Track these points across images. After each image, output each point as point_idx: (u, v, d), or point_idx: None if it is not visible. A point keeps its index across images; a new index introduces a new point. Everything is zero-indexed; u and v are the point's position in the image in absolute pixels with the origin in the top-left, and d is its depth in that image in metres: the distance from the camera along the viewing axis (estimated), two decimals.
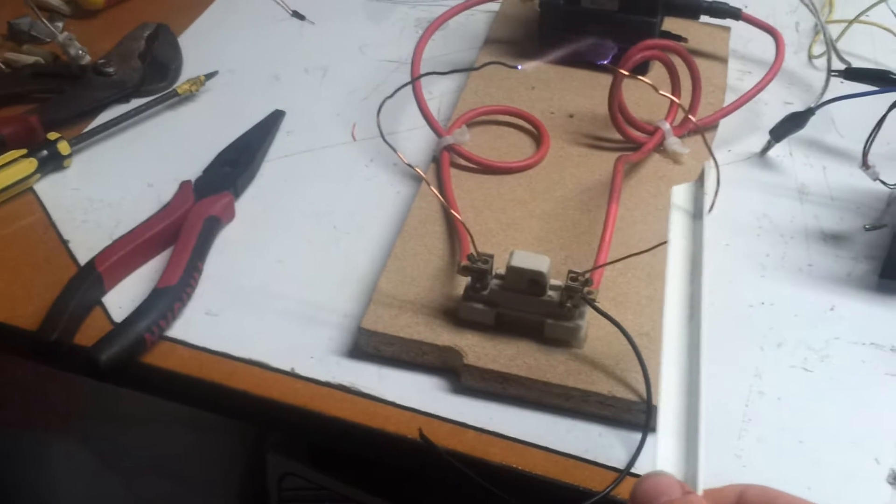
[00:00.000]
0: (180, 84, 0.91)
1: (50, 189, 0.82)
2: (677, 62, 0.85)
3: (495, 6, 1.03)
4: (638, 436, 0.64)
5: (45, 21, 0.96)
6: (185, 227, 0.76)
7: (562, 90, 0.92)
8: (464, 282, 0.69)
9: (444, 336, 0.68)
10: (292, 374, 0.68)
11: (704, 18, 0.97)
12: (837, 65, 0.94)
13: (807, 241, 0.79)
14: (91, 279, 0.72)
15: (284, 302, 0.73)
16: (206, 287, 0.74)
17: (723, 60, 0.97)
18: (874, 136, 0.78)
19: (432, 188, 0.73)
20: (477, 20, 1.03)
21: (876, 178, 0.79)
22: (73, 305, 0.70)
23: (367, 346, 0.69)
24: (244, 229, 0.79)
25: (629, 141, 0.85)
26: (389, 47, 1.00)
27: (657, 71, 0.87)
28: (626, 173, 0.82)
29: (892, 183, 0.80)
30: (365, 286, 0.74)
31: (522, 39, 0.99)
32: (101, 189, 0.82)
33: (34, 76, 0.92)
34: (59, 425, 0.97)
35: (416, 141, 0.87)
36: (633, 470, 0.62)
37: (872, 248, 0.78)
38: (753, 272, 0.77)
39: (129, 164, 0.85)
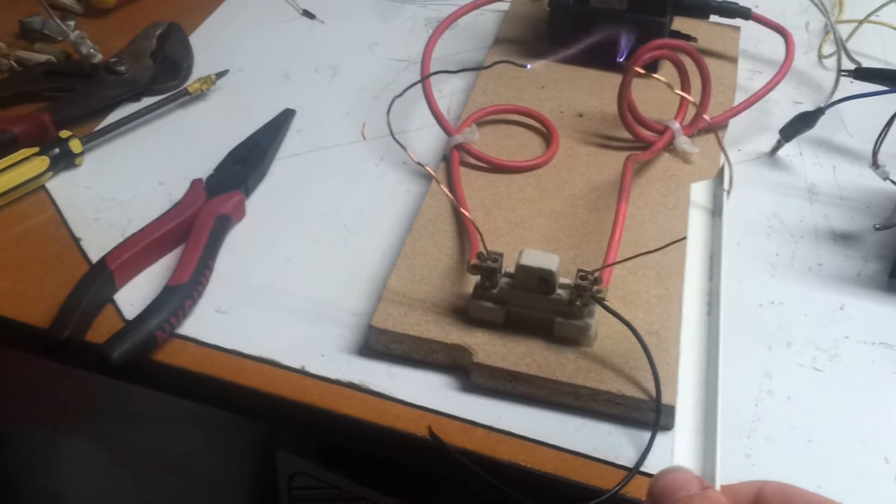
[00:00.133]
0: (191, 83, 0.91)
1: (62, 187, 0.82)
2: (687, 62, 0.85)
3: (504, 6, 1.03)
4: (647, 434, 0.64)
5: (58, 20, 0.97)
6: (196, 226, 0.76)
7: (571, 89, 0.92)
8: (473, 280, 0.69)
9: (454, 334, 0.68)
10: (302, 372, 0.68)
11: (714, 18, 0.98)
12: (847, 64, 0.94)
13: (816, 241, 0.79)
14: (102, 277, 0.72)
15: (294, 300, 0.73)
16: (217, 285, 0.74)
17: (733, 60, 0.97)
18: (884, 136, 0.79)
19: (442, 187, 0.73)
20: (486, 20, 1.03)
21: (886, 178, 0.79)
22: (85, 303, 0.70)
23: (377, 344, 0.69)
24: (255, 228, 0.80)
25: (639, 140, 0.85)
26: (399, 46, 1.00)
27: (667, 71, 0.87)
28: (636, 172, 0.82)
29: None
30: (375, 284, 0.74)
31: (532, 39, 0.99)
32: (113, 187, 0.82)
33: (46, 74, 0.92)
34: (69, 423, 0.98)
35: (425, 140, 0.87)
36: (642, 468, 0.63)
37: (882, 248, 0.78)
38: (763, 272, 0.77)
39: (140, 162, 0.85)
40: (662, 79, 0.70)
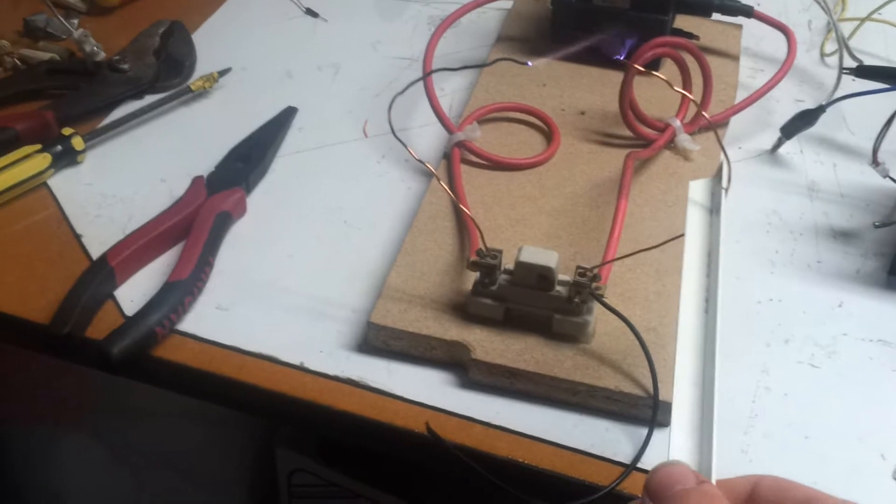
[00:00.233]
0: (194, 81, 0.92)
1: (64, 184, 0.83)
2: (689, 60, 0.85)
3: (507, 4, 1.04)
4: (644, 431, 0.64)
5: (61, 18, 0.97)
6: (197, 222, 0.76)
7: (573, 87, 0.92)
8: (473, 277, 0.70)
9: (453, 331, 0.68)
10: (301, 368, 0.69)
11: (716, 16, 0.98)
12: (849, 62, 0.94)
13: (816, 238, 0.79)
14: (103, 273, 0.72)
15: (294, 296, 0.73)
16: (217, 281, 0.74)
17: (734, 58, 0.97)
18: (884, 134, 0.79)
19: (442, 184, 0.73)
20: (489, 18, 1.04)
21: (886, 176, 0.79)
22: (86, 299, 0.70)
23: (376, 340, 0.69)
24: (255, 224, 0.80)
25: (640, 138, 0.86)
26: (402, 45, 1.00)
27: (668, 69, 0.87)
28: (637, 170, 0.82)
29: None
30: (374, 281, 0.74)
31: (534, 37, 0.99)
32: (115, 184, 0.83)
33: (50, 72, 0.93)
34: (69, 419, 0.98)
35: (427, 137, 0.88)
36: (639, 465, 0.63)
37: (881, 245, 0.78)
38: (762, 269, 0.77)
39: (142, 159, 0.86)
40: (662, 76, 0.70)
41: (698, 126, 0.86)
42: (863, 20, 1.00)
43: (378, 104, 0.90)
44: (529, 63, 0.75)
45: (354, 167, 0.85)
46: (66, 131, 0.84)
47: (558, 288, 0.67)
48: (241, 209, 0.80)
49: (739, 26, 1.00)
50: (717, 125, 0.87)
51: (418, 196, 0.82)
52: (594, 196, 0.80)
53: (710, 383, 0.55)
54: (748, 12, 0.97)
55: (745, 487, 0.51)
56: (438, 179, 0.74)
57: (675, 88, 0.70)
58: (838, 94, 0.89)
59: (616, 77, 0.86)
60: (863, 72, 0.92)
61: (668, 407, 0.62)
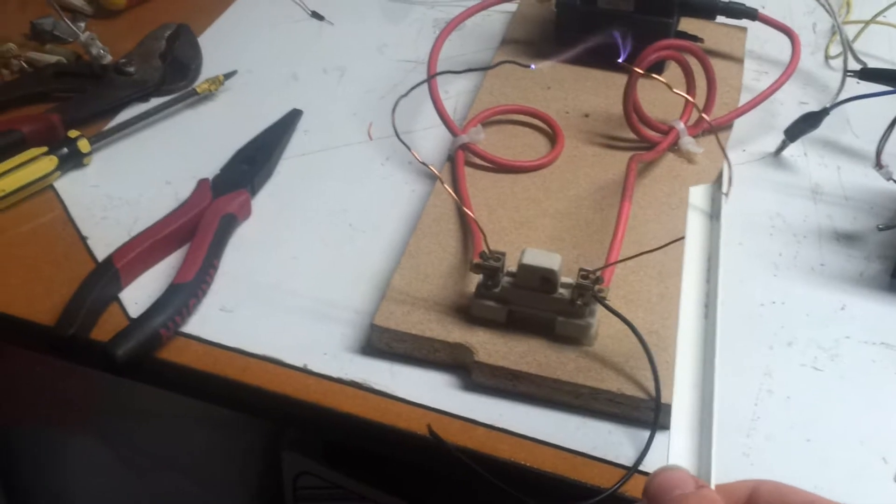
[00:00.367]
0: (200, 83, 0.92)
1: (70, 186, 0.83)
2: (693, 62, 0.86)
3: (512, 7, 1.04)
4: (647, 433, 0.64)
5: (68, 21, 0.97)
6: (202, 225, 0.77)
7: (577, 90, 0.92)
8: (476, 279, 0.70)
9: (456, 333, 0.69)
10: (305, 371, 0.69)
11: (721, 19, 0.98)
12: (853, 65, 0.94)
13: (819, 241, 0.79)
14: (109, 275, 0.73)
15: (298, 299, 0.74)
16: (222, 284, 0.74)
17: (739, 61, 0.97)
18: (888, 136, 0.79)
19: (446, 187, 0.74)
20: (494, 21, 1.04)
21: (889, 178, 0.79)
22: (91, 301, 0.71)
23: (380, 342, 0.69)
24: (260, 227, 0.80)
25: (644, 140, 0.86)
26: (407, 47, 1.00)
27: (672, 71, 0.87)
28: (640, 172, 0.82)
29: None
30: (378, 283, 0.74)
31: (539, 40, 0.99)
32: (120, 186, 0.83)
33: (56, 75, 0.93)
34: (75, 421, 0.98)
35: (431, 140, 0.88)
36: (641, 467, 0.63)
37: (885, 248, 0.78)
38: (766, 271, 0.77)
39: (147, 162, 0.86)
40: (663, 80, 0.70)
41: (702, 129, 0.86)
42: (867, 23, 1.00)
43: (383, 107, 0.90)
44: (532, 66, 0.75)
45: (359, 169, 0.86)
46: (73, 134, 0.84)
47: (561, 290, 0.68)
48: (245, 211, 0.80)
49: (744, 29, 1.00)
50: (719, 128, 0.87)
51: (422, 198, 0.82)
52: (598, 198, 0.81)
53: (710, 387, 0.55)
54: (753, 15, 0.97)
55: (745, 492, 0.51)
56: (442, 182, 0.74)
57: (676, 92, 0.70)
58: (842, 96, 0.89)
59: (620, 80, 0.86)
60: (867, 74, 0.92)
61: (669, 410, 0.62)
